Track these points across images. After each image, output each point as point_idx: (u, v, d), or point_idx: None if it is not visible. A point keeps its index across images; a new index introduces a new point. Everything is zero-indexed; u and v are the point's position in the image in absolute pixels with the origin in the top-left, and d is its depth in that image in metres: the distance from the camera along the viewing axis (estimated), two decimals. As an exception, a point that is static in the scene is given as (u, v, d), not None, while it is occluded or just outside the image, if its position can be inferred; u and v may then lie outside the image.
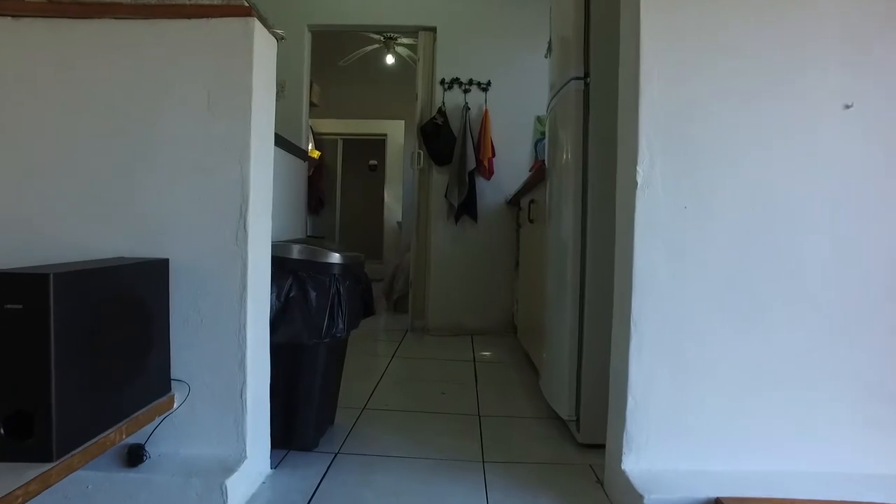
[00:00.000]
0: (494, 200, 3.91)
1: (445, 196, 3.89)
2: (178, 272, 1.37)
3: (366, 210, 8.46)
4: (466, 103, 3.87)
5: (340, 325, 1.63)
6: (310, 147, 8.11)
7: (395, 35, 5.32)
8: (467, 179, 3.76)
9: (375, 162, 8.59)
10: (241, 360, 1.39)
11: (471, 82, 3.89)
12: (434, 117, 3.85)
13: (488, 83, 3.89)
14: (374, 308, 1.96)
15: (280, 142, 2.06)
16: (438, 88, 3.90)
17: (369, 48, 5.60)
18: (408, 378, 2.73)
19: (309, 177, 8.38)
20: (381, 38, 5.39)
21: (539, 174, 2.60)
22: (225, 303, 1.39)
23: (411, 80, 4.13)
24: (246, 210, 1.39)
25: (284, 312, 1.58)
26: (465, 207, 3.84)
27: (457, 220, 3.88)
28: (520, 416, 2.15)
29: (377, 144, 8.25)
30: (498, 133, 3.89)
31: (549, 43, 2.49)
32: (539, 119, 3.91)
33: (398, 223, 7.87)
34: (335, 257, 1.67)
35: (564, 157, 1.96)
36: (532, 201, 2.78)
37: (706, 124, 1.39)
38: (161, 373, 1.33)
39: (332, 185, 8.46)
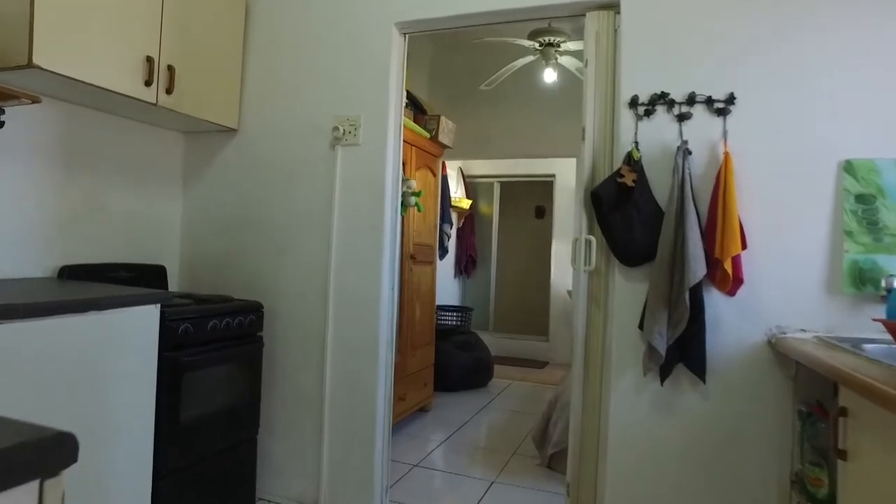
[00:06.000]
0: (744, 337, 1.89)
1: (640, 328, 1.96)
2: None
3: (528, 271, 6.69)
4: (684, 142, 1.93)
5: None
6: (459, 195, 6.67)
7: (557, 39, 3.54)
8: (687, 298, 1.80)
9: (543, 205, 6.82)
10: None
11: (692, 100, 1.95)
12: (617, 172, 1.97)
13: (730, 99, 1.91)
14: None
15: None
16: (625, 115, 2.02)
17: (521, 62, 3.89)
18: None
19: (459, 229, 6.94)
20: (537, 45, 3.65)
21: None
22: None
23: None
24: None
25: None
26: (682, 352, 1.89)
27: (664, 377, 1.93)
28: None
29: (544, 187, 6.48)
30: (752, 199, 1.88)
31: None
32: (851, 167, 1.81)
33: (569, 292, 5.99)
34: None
35: None
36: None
37: None
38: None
39: (487, 239, 6.84)
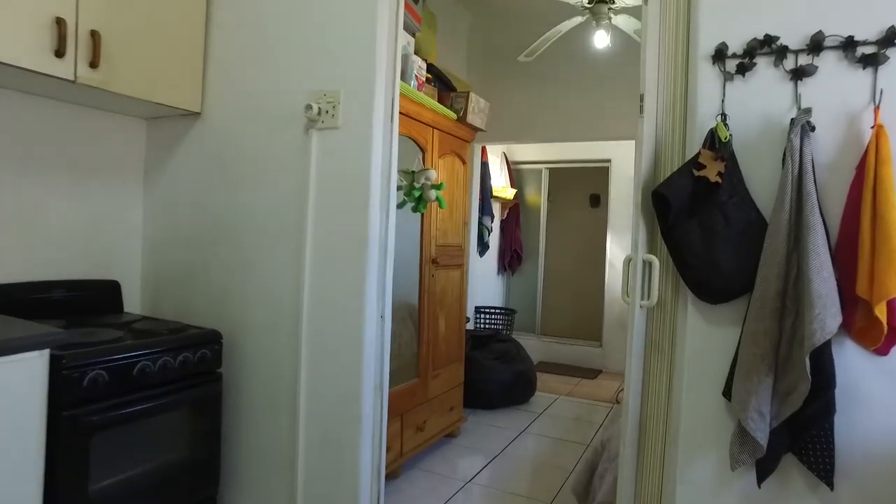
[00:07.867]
0: (900, 418, 1.19)
1: (726, 397, 1.29)
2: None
3: (581, 267, 5.97)
4: (803, 112, 1.23)
5: None
6: (503, 184, 6.00)
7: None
8: (808, 360, 1.13)
9: (598, 193, 6.06)
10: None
11: (817, 45, 1.24)
12: (694, 162, 1.29)
13: (887, 38, 1.20)
14: None
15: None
16: (706, 74, 1.33)
17: (567, 24, 3.19)
18: None
19: (502, 221, 6.27)
20: (585, 2, 2.95)
21: None
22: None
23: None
24: None
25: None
26: (794, 438, 1.22)
27: (763, 475, 1.26)
28: None
29: (598, 174, 5.75)
30: (919, 200, 1.17)
31: None
32: None
33: (626, 293, 5.25)
34: None
35: None
36: None
37: None
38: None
39: (534, 232, 6.15)
